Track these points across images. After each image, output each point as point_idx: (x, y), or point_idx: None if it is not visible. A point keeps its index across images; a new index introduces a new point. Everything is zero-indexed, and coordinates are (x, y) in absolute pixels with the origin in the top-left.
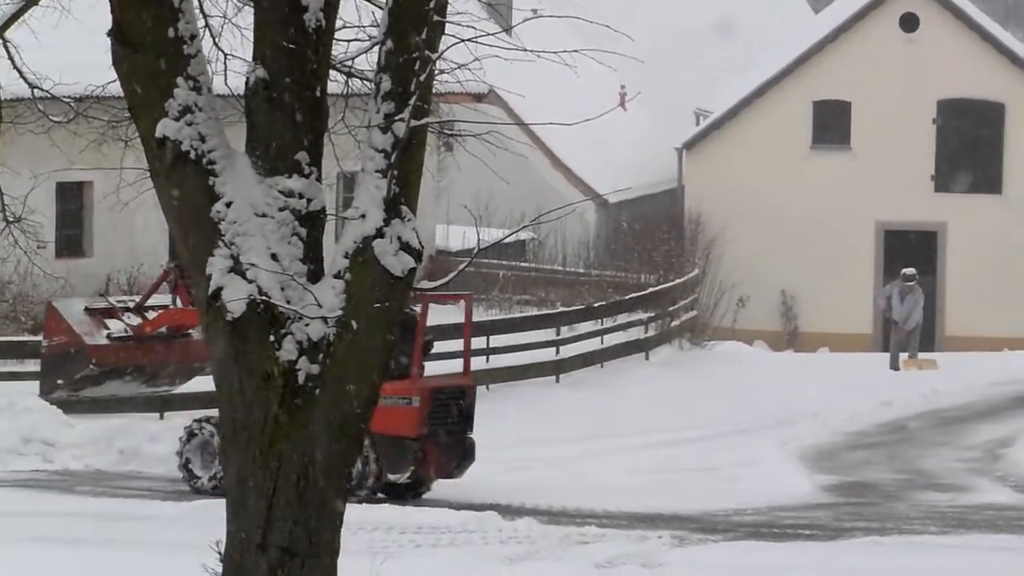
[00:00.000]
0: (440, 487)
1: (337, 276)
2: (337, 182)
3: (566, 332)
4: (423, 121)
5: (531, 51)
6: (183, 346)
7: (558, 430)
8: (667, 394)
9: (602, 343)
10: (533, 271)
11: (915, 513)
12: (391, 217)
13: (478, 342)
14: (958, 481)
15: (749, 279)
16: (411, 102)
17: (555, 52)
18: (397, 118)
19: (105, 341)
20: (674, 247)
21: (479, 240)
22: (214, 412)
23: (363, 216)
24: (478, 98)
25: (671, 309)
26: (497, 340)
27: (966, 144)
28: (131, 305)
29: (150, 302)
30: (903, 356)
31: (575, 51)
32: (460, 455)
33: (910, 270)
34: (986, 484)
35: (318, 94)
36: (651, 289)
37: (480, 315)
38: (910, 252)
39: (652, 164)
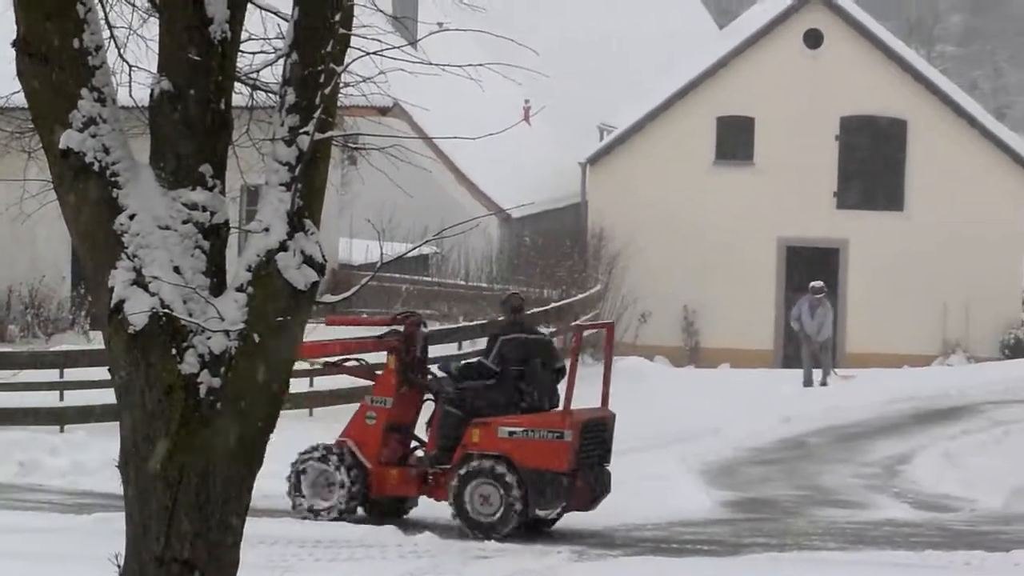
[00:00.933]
0: None
1: (240, 289)
2: (241, 195)
3: (468, 347)
4: (328, 134)
5: (436, 65)
6: None
7: None
8: None
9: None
10: (436, 285)
11: (814, 529)
12: (294, 230)
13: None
14: (857, 497)
15: (651, 294)
16: (316, 115)
17: (460, 66)
18: (302, 131)
19: None
20: (577, 262)
21: (382, 254)
22: (316, 441)
23: (266, 229)
24: (383, 112)
25: (573, 324)
26: None
27: (868, 161)
28: None
29: None
30: (816, 372)
31: (480, 65)
32: (600, 487)
33: (818, 283)
34: (884, 500)
35: (223, 106)
36: (553, 304)
37: (382, 329)
38: (812, 268)
39: (556, 179)
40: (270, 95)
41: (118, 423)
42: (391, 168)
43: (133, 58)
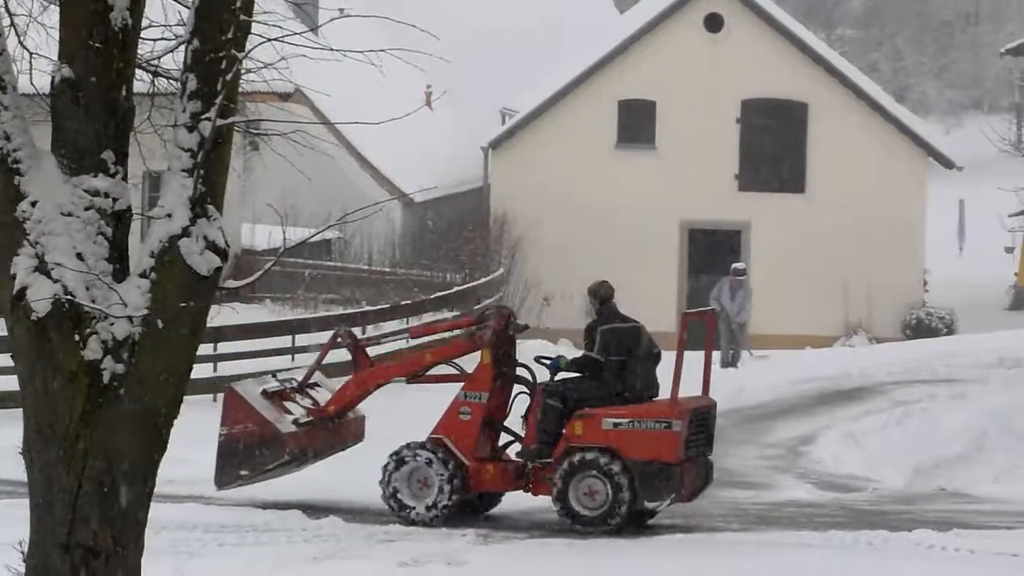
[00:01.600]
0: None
1: (143, 275)
2: (143, 181)
3: (371, 331)
4: (229, 120)
5: (337, 50)
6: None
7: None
8: None
9: (408, 342)
10: (339, 270)
11: (718, 510)
12: (197, 216)
13: (283, 341)
14: (760, 478)
15: (554, 278)
16: (217, 101)
17: (361, 52)
18: (203, 117)
19: (294, 428)
20: (479, 246)
21: (285, 239)
22: (422, 437)
23: (169, 215)
24: (284, 97)
25: (476, 308)
26: (303, 339)
27: (770, 143)
28: (295, 384)
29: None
30: (723, 355)
31: (381, 51)
32: (704, 478)
33: (740, 265)
34: (788, 481)
35: (124, 93)
36: (456, 288)
37: (286, 314)
38: (714, 251)
39: (458, 163)
40: (171, 82)
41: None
42: (293, 154)
43: (33, 45)
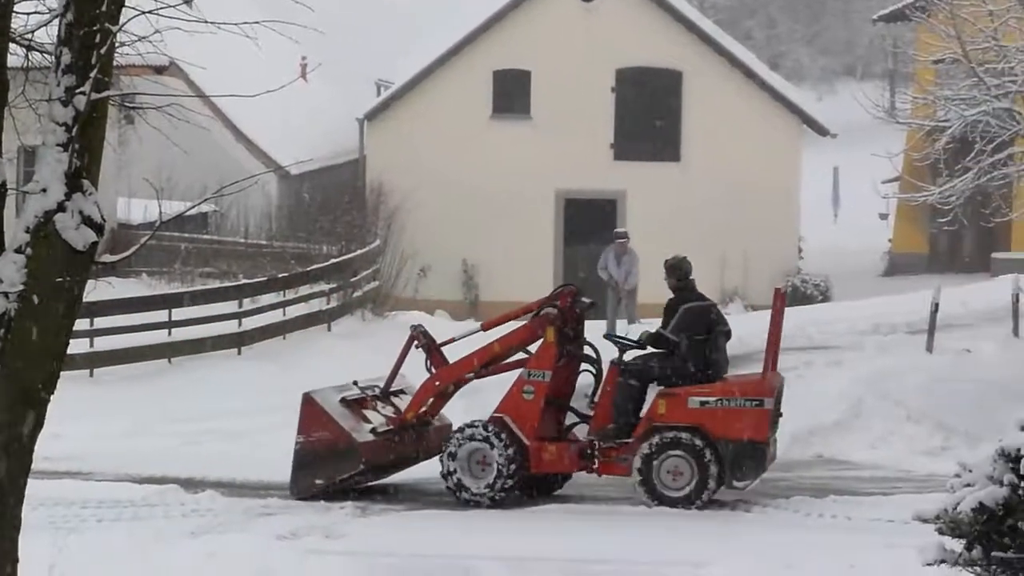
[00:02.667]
0: (120, 454)
1: (18, 251)
2: (18, 156)
3: (248, 304)
4: (104, 94)
5: (212, 23)
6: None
7: (239, 403)
8: (349, 365)
9: (284, 315)
10: (215, 244)
11: (598, 480)
12: (72, 191)
13: (160, 315)
14: None
15: (431, 249)
16: (92, 75)
17: (236, 24)
18: (78, 91)
19: (371, 437)
20: (356, 218)
21: (161, 213)
22: (479, 417)
23: (44, 190)
24: (159, 70)
25: (353, 280)
26: (180, 313)
27: (645, 112)
28: (377, 391)
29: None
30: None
31: (256, 23)
32: (773, 455)
33: (621, 229)
34: None
35: None
36: (333, 260)
37: (162, 288)
38: (590, 220)
39: (334, 135)
40: (46, 56)
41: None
42: (169, 127)
43: None
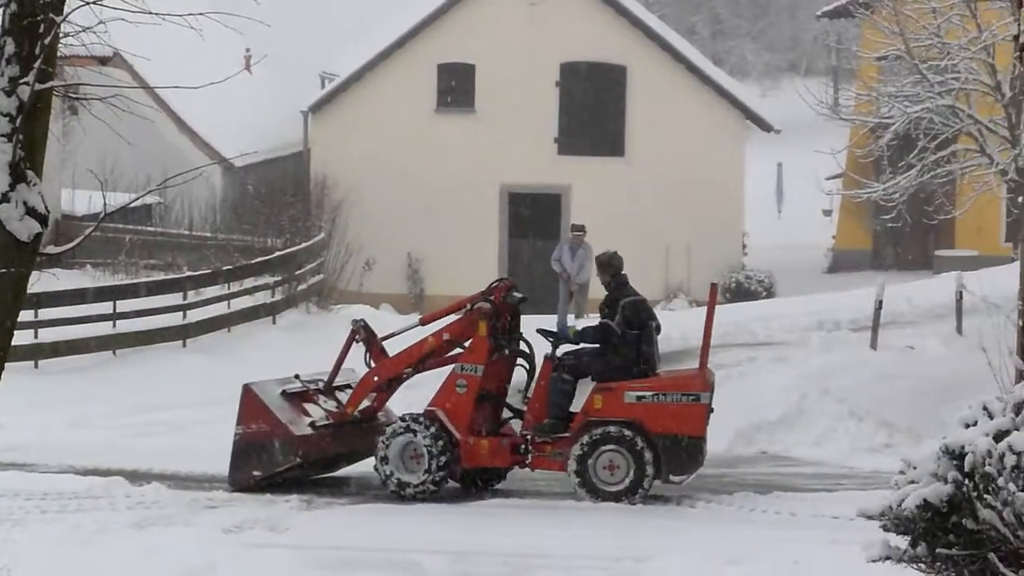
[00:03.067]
0: (65, 445)
1: None
2: None
3: (193, 297)
4: (48, 84)
5: (156, 14)
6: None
7: (184, 395)
8: (294, 358)
9: (229, 308)
10: (159, 235)
11: (541, 475)
12: (16, 182)
13: (104, 307)
14: None
15: (376, 242)
16: (36, 65)
17: (180, 15)
18: (22, 81)
19: (309, 430)
20: (300, 211)
21: (105, 204)
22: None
23: None
24: (103, 61)
25: (297, 273)
26: (124, 305)
27: (589, 107)
28: (321, 386)
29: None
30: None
31: (200, 14)
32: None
33: (579, 223)
34: None
35: None
36: (277, 253)
37: (107, 280)
38: (535, 214)
39: (279, 127)
40: None
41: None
42: (113, 118)
43: None
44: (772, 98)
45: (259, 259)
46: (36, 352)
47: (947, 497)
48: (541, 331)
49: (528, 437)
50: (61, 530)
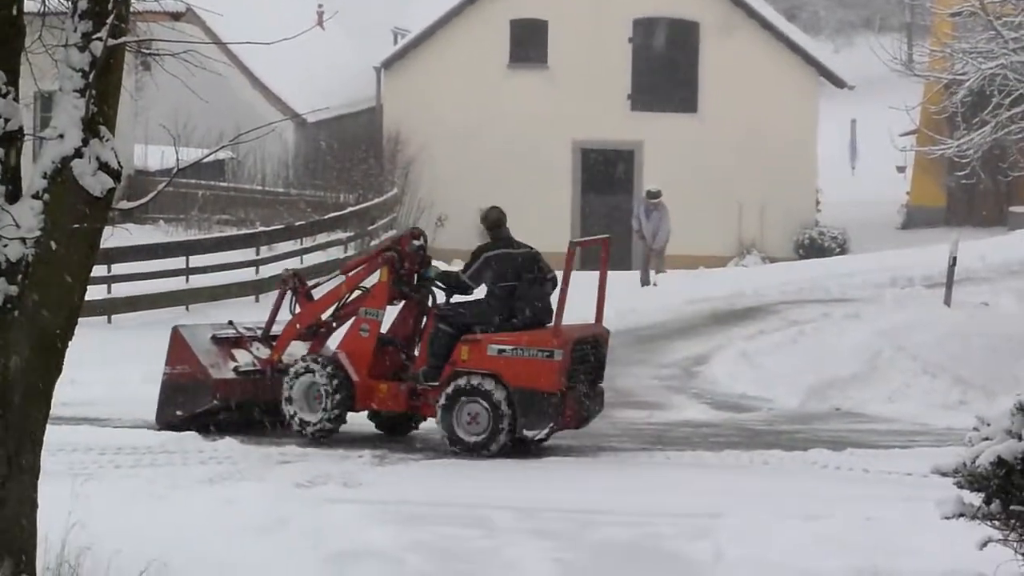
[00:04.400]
0: (134, 407)
1: (36, 197)
2: (35, 102)
3: (266, 252)
4: (120, 40)
5: None
6: None
7: None
8: None
9: (302, 263)
10: (232, 191)
11: (613, 430)
12: (89, 137)
13: (177, 262)
14: (655, 398)
15: (448, 198)
16: (108, 21)
17: None
18: (95, 37)
19: (231, 375)
20: (373, 166)
21: (178, 160)
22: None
23: (61, 136)
24: (176, 17)
25: (370, 228)
26: (197, 260)
27: (662, 63)
28: (257, 333)
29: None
30: (642, 276)
31: None
32: (594, 406)
33: (654, 187)
34: (683, 401)
35: (14, 13)
36: (350, 209)
37: (180, 235)
38: (607, 171)
39: (351, 83)
40: (62, 1)
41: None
42: (185, 74)
43: None
44: (845, 54)
45: (332, 215)
46: (110, 307)
47: (1021, 454)
48: (424, 276)
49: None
50: (134, 485)
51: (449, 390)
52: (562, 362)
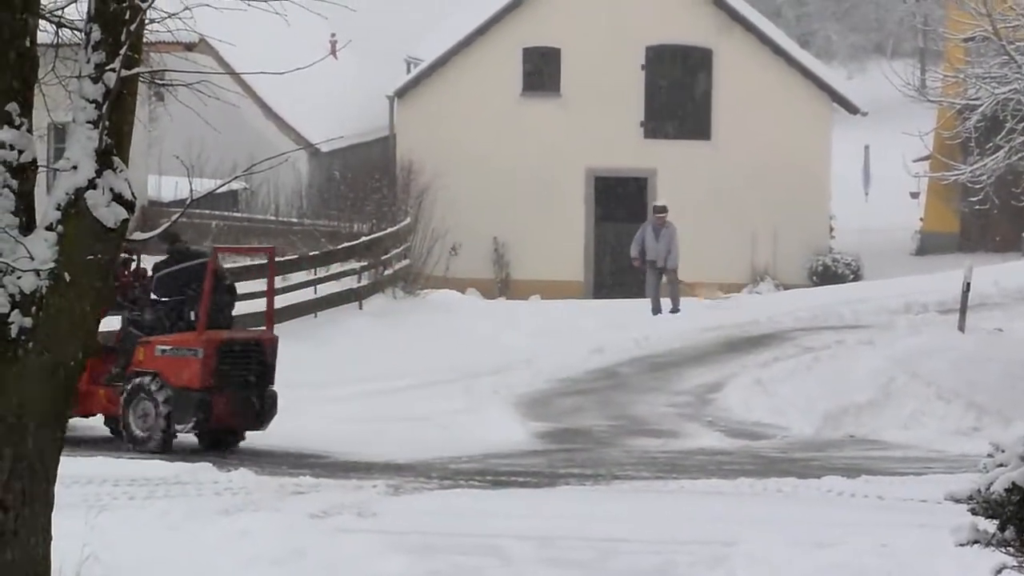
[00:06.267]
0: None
1: (49, 228)
2: (48, 133)
3: (279, 282)
4: (134, 71)
5: (241, 0)
6: None
7: None
8: (381, 343)
9: (315, 293)
10: (246, 221)
11: (628, 459)
12: (103, 168)
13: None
14: (669, 426)
15: (461, 227)
16: (122, 52)
17: (266, 0)
18: (108, 68)
19: None
20: (386, 196)
21: (191, 190)
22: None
23: (75, 167)
24: (189, 47)
25: (384, 258)
26: None
27: (675, 90)
28: None
29: None
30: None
31: (286, 0)
32: (259, 407)
33: (660, 203)
34: (697, 429)
35: (28, 44)
36: (364, 238)
37: None
38: (620, 198)
39: (364, 112)
40: (76, 32)
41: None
42: (199, 104)
43: None
44: (858, 80)
45: (345, 244)
46: None
47: None
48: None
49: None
50: (149, 516)
51: (129, 388)
52: (204, 360)
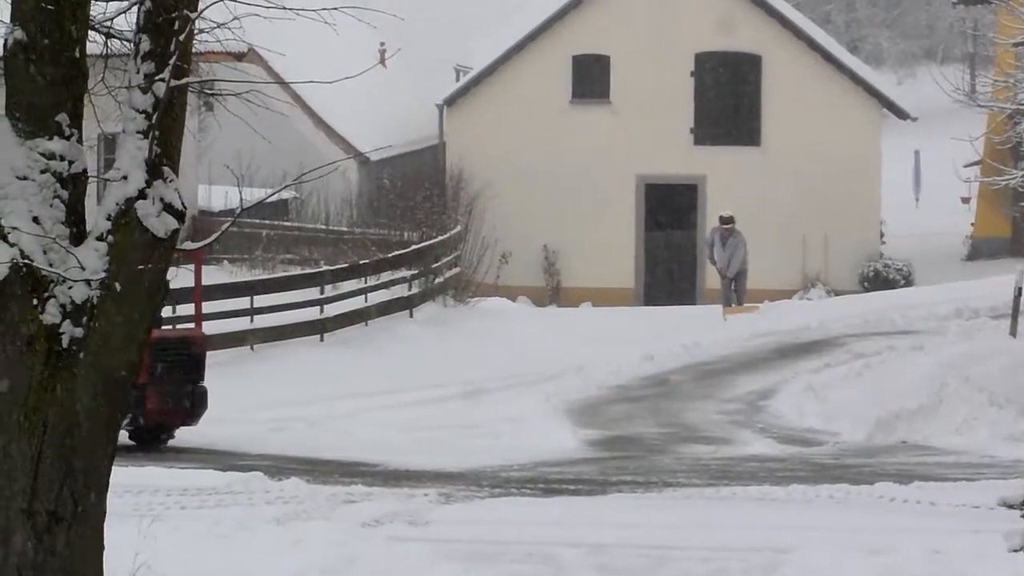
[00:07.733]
0: (203, 441)
1: (100, 238)
2: (98, 143)
3: (330, 291)
4: (183, 81)
5: (290, 9)
6: None
7: (323, 389)
8: (431, 351)
9: (366, 301)
10: (296, 230)
11: (679, 466)
12: (153, 178)
13: (242, 302)
14: (721, 433)
15: (512, 235)
16: (171, 62)
17: (314, 10)
18: (157, 78)
19: None
20: (436, 204)
21: (241, 200)
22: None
23: (125, 177)
24: (238, 57)
25: (434, 266)
26: (261, 300)
27: (724, 97)
28: None
29: None
30: (723, 306)
31: (334, 9)
32: (190, 403)
33: (727, 213)
34: (748, 436)
35: (77, 55)
36: (414, 247)
37: (244, 275)
38: (670, 205)
39: (414, 121)
40: (125, 43)
41: None
42: (248, 114)
43: None
44: (908, 86)
45: (396, 253)
46: None
47: None
48: None
49: None
50: (200, 526)
51: None
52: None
